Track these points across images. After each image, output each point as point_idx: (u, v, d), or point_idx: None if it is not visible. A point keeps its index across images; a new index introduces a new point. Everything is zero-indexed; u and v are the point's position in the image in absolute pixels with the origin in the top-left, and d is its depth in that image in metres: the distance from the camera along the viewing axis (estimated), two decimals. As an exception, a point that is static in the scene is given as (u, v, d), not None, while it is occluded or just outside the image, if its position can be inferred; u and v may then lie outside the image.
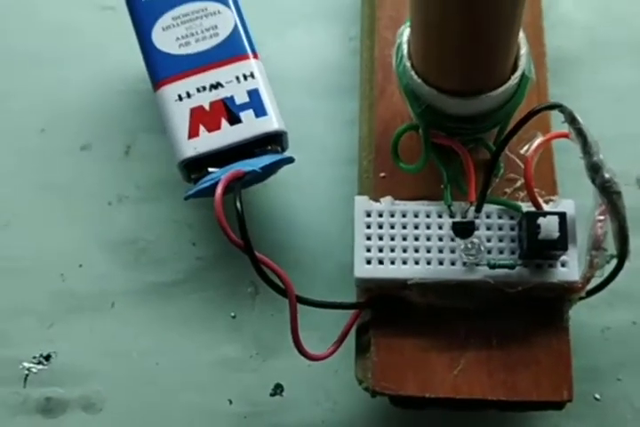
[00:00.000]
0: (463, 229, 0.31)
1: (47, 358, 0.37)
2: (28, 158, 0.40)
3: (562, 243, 0.30)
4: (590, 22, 0.42)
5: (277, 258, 0.33)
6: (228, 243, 0.30)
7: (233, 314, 0.37)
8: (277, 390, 0.37)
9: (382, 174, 0.35)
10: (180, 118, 0.35)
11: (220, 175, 0.33)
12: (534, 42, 0.37)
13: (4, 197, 0.40)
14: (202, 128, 0.34)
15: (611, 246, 0.31)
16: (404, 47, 0.31)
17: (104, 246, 0.39)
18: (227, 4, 0.36)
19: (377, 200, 0.33)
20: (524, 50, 0.31)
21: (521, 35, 0.30)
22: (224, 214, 0.31)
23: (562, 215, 0.30)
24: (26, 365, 0.37)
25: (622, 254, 0.30)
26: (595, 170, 0.30)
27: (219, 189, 0.31)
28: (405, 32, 0.31)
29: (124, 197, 0.39)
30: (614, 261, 0.31)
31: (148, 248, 0.39)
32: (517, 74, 0.30)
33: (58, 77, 0.42)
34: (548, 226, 0.30)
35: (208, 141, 0.34)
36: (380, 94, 0.36)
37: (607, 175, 0.30)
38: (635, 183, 0.38)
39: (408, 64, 0.31)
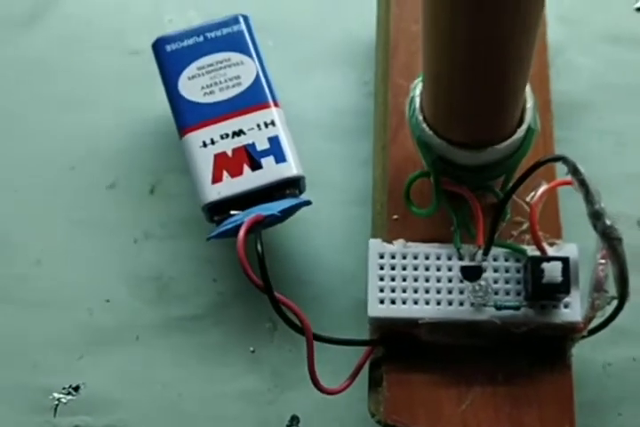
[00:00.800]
0: (471, 273, 0.33)
1: (76, 388, 0.39)
2: (58, 195, 0.42)
3: (565, 286, 0.32)
4: (595, 68, 0.43)
5: (295, 294, 0.35)
6: (247, 280, 0.32)
7: (252, 348, 0.39)
8: (294, 421, 0.38)
9: (395, 217, 0.36)
10: (204, 164, 0.36)
11: (241, 218, 0.35)
12: (541, 90, 0.38)
13: (35, 233, 0.41)
14: (225, 173, 0.36)
15: (612, 288, 0.32)
16: (417, 100, 0.33)
17: (130, 282, 0.40)
18: (249, 55, 0.38)
19: (390, 242, 0.35)
20: (530, 103, 0.32)
21: (527, 88, 0.32)
22: (246, 256, 0.32)
23: (565, 260, 0.32)
24: (56, 395, 0.39)
25: (622, 297, 0.32)
26: (596, 217, 0.31)
27: (241, 234, 0.33)
28: (418, 86, 0.33)
29: (149, 235, 0.41)
30: (615, 303, 0.32)
31: (171, 284, 0.40)
32: (524, 127, 0.32)
33: (87, 119, 0.43)
34: (552, 271, 0.32)
35: (231, 186, 0.36)
36: (393, 138, 0.38)
37: (608, 222, 0.31)
38: (636, 225, 0.40)
39: (420, 117, 0.32)
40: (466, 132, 0.31)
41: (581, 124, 0.42)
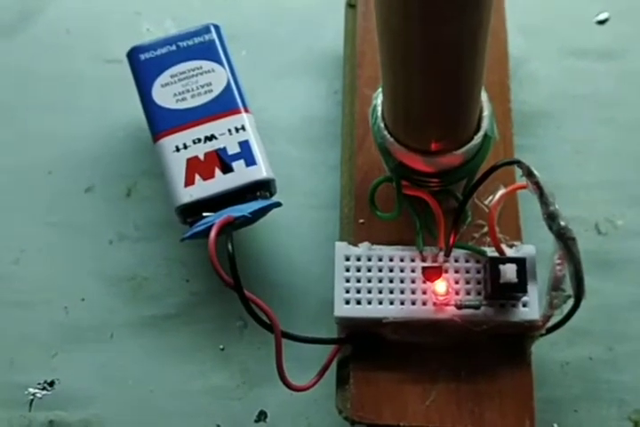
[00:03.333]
0: (432, 274, 0.33)
1: (51, 384, 0.39)
2: (36, 198, 0.42)
3: (521, 286, 0.32)
4: (555, 78, 0.43)
5: (265, 294, 0.35)
6: (218, 280, 0.32)
7: (222, 346, 0.39)
8: (262, 416, 0.38)
9: (361, 220, 0.36)
10: (177, 168, 0.36)
11: (213, 220, 0.35)
12: (501, 99, 0.39)
13: (14, 234, 0.41)
14: (197, 177, 0.36)
15: (571, 288, 0.32)
16: (379, 109, 0.33)
17: (105, 282, 0.40)
18: (220, 63, 0.38)
19: (356, 244, 0.35)
20: (486, 111, 0.32)
21: (484, 97, 0.32)
22: (217, 256, 0.32)
23: (521, 262, 0.32)
24: (31, 390, 0.38)
25: (579, 295, 0.32)
26: (551, 219, 0.32)
27: (212, 234, 0.33)
28: (380, 95, 0.33)
29: (124, 236, 0.41)
30: (572, 301, 0.32)
31: (145, 284, 0.40)
32: (480, 134, 0.32)
33: (66, 124, 0.43)
34: (508, 272, 0.32)
35: (203, 189, 0.36)
36: (359, 147, 0.38)
37: (562, 223, 0.31)
38: (594, 228, 0.40)
39: (382, 124, 0.32)
40: (423, 139, 0.31)
41: (542, 132, 0.42)
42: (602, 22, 0.44)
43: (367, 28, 0.40)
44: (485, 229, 0.36)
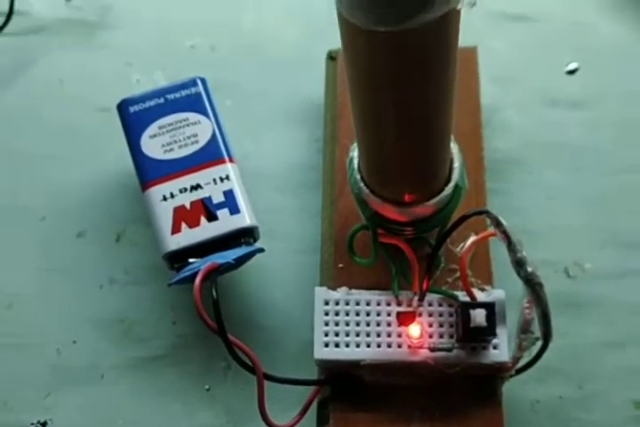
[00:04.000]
0: (405, 319, 0.34)
1: (44, 424, 0.39)
2: (29, 243, 0.43)
3: (490, 330, 0.33)
4: (527, 126, 0.45)
5: (248, 336, 0.37)
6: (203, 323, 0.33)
7: (207, 387, 0.40)
8: (246, 455, 0.39)
9: (340, 265, 0.38)
10: (164, 216, 0.38)
11: (199, 266, 0.36)
12: (474, 148, 0.40)
13: (7, 279, 0.42)
14: (184, 225, 0.37)
15: (539, 330, 0.33)
16: (355, 161, 0.34)
17: (96, 324, 0.41)
18: (206, 115, 0.40)
19: (335, 288, 0.36)
20: (457, 163, 0.34)
21: (455, 149, 0.34)
22: (202, 302, 0.34)
23: (490, 307, 0.34)
24: (25, 431, 0.40)
25: (546, 337, 0.33)
26: (519, 265, 0.33)
27: (197, 282, 0.34)
28: (356, 148, 0.34)
29: (114, 281, 0.42)
30: (540, 343, 0.34)
31: (134, 326, 0.41)
32: (451, 185, 0.33)
33: (57, 172, 0.45)
34: (478, 317, 0.33)
35: (189, 236, 0.37)
36: (339, 194, 0.39)
37: (530, 269, 0.33)
38: (563, 271, 0.41)
39: (358, 176, 0.34)
40: (397, 191, 0.33)
41: (514, 178, 0.43)
42: (572, 72, 0.46)
43: (346, 81, 0.42)
44: (458, 273, 0.37)
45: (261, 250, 0.38)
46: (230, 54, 0.47)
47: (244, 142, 0.44)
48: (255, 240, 0.39)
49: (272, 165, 0.44)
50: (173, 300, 0.41)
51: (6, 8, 0.48)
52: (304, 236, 0.43)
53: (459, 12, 0.23)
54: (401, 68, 0.24)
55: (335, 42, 0.42)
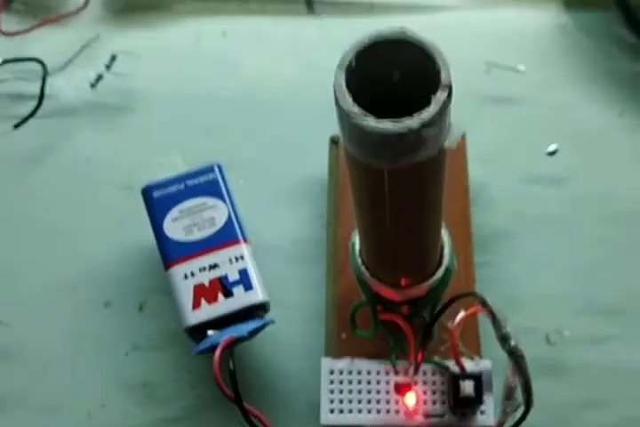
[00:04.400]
0: (402, 389, 0.38)
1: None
2: (61, 312, 0.47)
3: (478, 399, 0.38)
4: (512, 202, 0.49)
5: (260, 399, 0.40)
6: None
7: (225, 447, 0.44)
8: None
9: (343, 335, 0.42)
10: (186, 293, 0.42)
11: (217, 339, 0.40)
12: (463, 226, 0.45)
13: (42, 345, 0.46)
14: (203, 301, 0.41)
15: (522, 397, 0.37)
16: (357, 247, 0.39)
17: (122, 388, 0.45)
18: (223, 199, 0.44)
19: (339, 357, 0.40)
20: (447, 249, 0.38)
21: (445, 236, 0.38)
22: (221, 373, 0.38)
23: (478, 378, 0.38)
24: None
25: (528, 404, 0.37)
26: (503, 340, 0.37)
27: (217, 355, 0.38)
28: (357, 234, 0.39)
29: (138, 347, 0.46)
30: (522, 409, 0.38)
31: (157, 390, 0.45)
32: (442, 268, 0.38)
33: (85, 246, 0.49)
34: (467, 388, 0.37)
35: (208, 312, 0.41)
36: (341, 270, 0.44)
37: (513, 343, 0.37)
38: (544, 338, 0.45)
39: (359, 260, 0.38)
40: (393, 276, 0.37)
41: (500, 250, 0.48)
42: (552, 153, 0.50)
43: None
44: (449, 343, 0.41)
45: (272, 322, 0.42)
46: (243, 137, 0.51)
47: (254, 218, 0.47)
48: (266, 311, 0.43)
49: (280, 239, 0.48)
50: (192, 365, 0.45)
51: (37, 91, 0.52)
52: (310, 305, 0.46)
53: (447, 149, 0.27)
54: (397, 194, 0.28)
55: (336, 127, 0.47)
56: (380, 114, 0.23)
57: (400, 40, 0.24)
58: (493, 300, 0.37)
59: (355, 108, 0.23)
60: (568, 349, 0.45)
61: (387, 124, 0.23)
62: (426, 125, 0.23)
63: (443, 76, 0.24)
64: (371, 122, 0.23)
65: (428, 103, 0.24)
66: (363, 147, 0.25)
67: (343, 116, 0.24)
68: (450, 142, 0.26)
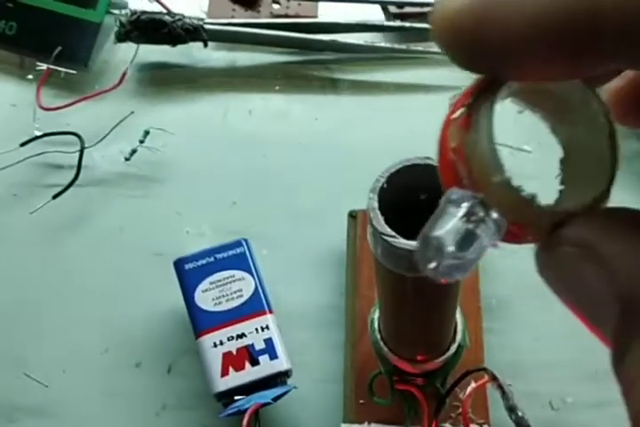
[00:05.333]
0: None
1: None
2: (95, 373, 0.50)
3: (487, 466, 0.40)
4: (517, 273, 0.52)
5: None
6: None
7: None
8: None
9: (361, 401, 0.44)
10: (215, 360, 0.44)
11: (243, 404, 0.43)
12: (472, 300, 0.47)
13: (75, 405, 0.49)
14: (231, 369, 0.44)
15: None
16: (376, 323, 0.41)
17: (152, 447, 0.48)
18: (250, 272, 0.47)
19: (358, 422, 0.43)
20: (460, 326, 0.41)
21: (458, 315, 0.41)
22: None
23: (486, 445, 0.40)
24: None
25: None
26: (511, 410, 0.40)
27: (244, 422, 0.41)
28: (377, 311, 0.41)
29: (167, 407, 0.49)
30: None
31: (186, 448, 0.48)
32: (455, 345, 0.40)
33: (118, 309, 0.52)
34: (477, 456, 0.40)
35: (235, 379, 0.44)
36: (359, 338, 0.46)
37: (520, 414, 0.40)
38: (547, 404, 0.48)
39: (378, 336, 0.41)
40: (411, 353, 0.40)
41: (507, 318, 0.50)
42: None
43: (365, 238, 0.49)
44: (460, 410, 0.44)
45: (295, 387, 0.45)
46: (266, 209, 0.54)
47: (277, 286, 0.50)
48: (289, 377, 0.46)
49: (300, 305, 0.51)
50: (218, 424, 0.48)
51: (74, 163, 0.55)
52: (329, 368, 0.49)
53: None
54: (419, 293, 0.31)
55: (354, 202, 0.50)
56: (409, 231, 0.26)
57: (426, 165, 0.27)
58: (498, 366, 0.40)
59: (386, 229, 0.26)
60: (571, 414, 0.47)
61: (413, 244, 0.26)
62: None
63: None
64: (400, 241, 0.26)
65: None
66: (391, 259, 0.28)
67: (376, 234, 0.26)
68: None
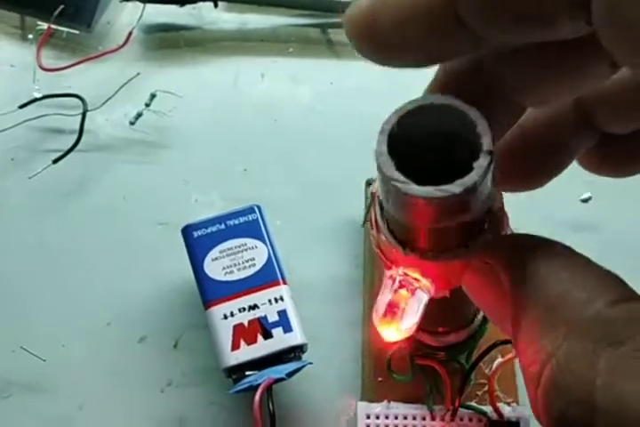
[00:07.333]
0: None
1: None
2: (97, 348, 0.48)
3: (516, 447, 0.38)
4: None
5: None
6: None
7: (260, 486, 0.44)
8: None
9: (380, 379, 0.43)
10: (225, 333, 0.42)
11: (255, 380, 0.41)
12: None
13: (79, 381, 0.47)
14: (242, 342, 0.42)
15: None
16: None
17: (157, 425, 0.46)
18: (262, 240, 0.45)
19: (376, 400, 0.41)
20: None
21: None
22: (261, 417, 0.39)
23: (516, 425, 0.38)
24: None
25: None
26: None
27: (257, 398, 0.39)
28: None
29: (173, 383, 0.47)
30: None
31: (192, 426, 0.46)
32: (480, 316, 0.38)
33: (121, 281, 0.50)
34: (505, 434, 0.38)
35: (247, 353, 0.42)
36: (378, 313, 0.44)
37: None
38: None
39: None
40: (432, 325, 0.37)
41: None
42: (585, 201, 0.51)
43: (384, 207, 0.47)
44: (486, 387, 0.42)
45: (310, 363, 0.43)
46: (279, 177, 0.52)
47: (291, 258, 0.48)
48: (304, 352, 0.44)
49: (316, 278, 0.49)
50: (228, 402, 0.46)
51: (76, 127, 0.53)
52: (346, 344, 0.47)
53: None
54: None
55: (371, 171, 0.48)
56: (420, 178, 0.24)
57: (442, 106, 0.25)
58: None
59: (397, 174, 0.24)
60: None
61: (429, 190, 0.23)
62: (469, 191, 0.24)
63: (484, 142, 0.24)
64: (413, 187, 0.24)
65: (469, 170, 0.24)
66: (403, 210, 0.25)
67: (385, 181, 0.24)
68: (492, 204, 0.27)
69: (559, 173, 0.30)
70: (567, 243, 0.50)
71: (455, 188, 0.23)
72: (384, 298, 0.29)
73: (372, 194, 0.32)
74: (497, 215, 0.28)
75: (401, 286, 0.29)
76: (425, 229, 0.26)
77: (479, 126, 0.24)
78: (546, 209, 0.50)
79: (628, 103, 0.25)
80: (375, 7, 0.21)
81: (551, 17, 0.19)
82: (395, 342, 0.39)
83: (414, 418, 0.40)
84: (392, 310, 0.30)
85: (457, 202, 0.24)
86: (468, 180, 0.23)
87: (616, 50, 0.19)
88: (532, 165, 0.28)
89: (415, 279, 0.29)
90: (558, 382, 0.19)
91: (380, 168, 0.24)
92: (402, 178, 0.24)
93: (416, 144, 0.26)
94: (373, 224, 0.29)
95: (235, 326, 0.43)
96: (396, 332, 0.31)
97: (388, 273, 0.29)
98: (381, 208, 0.28)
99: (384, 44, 0.21)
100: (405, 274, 0.29)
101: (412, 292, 0.29)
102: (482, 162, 0.24)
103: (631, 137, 0.27)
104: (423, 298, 0.30)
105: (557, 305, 0.21)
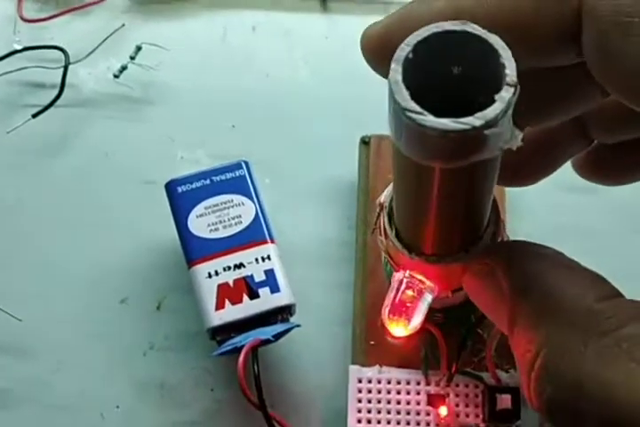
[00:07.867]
0: (435, 401, 0.37)
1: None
2: (76, 310, 0.46)
3: (515, 413, 0.36)
4: (544, 211, 0.48)
5: (283, 404, 0.39)
6: (241, 391, 0.37)
7: (243, 453, 0.42)
8: None
9: (372, 342, 0.40)
10: (209, 292, 0.40)
11: (240, 341, 0.39)
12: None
13: (56, 343, 0.45)
14: (227, 302, 0.40)
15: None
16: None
17: (137, 389, 0.44)
18: (250, 197, 0.43)
19: (367, 365, 0.39)
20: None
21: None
22: (245, 378, 0.37)
23: (516, 391, 0.36)
24: None
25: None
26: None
27: (241, 359, 0.37)
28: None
29: (155, 347, 0.45)
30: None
31: (173, 391, 0.44)
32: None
33: (102, 241, 0.47)
34: (504, 401, 0.36)
35: (231, 313, 0.40)
36: (371, 275, 0.42)
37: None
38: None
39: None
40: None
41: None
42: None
43: (379, 165, 0.45)
44: (484, 353, 0.40)
45: (298, 326, 0.41)
46: (269, 134, 0.50)
47: (280, 218, 0.46)
48: (292, 315, 0.42)
49: (305, 240, 0.47)
50: (211, 366, 0.44)
51: (58, 80, 0.51)
52: (336, 308, 0.45)
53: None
54: (446, 191, 0.27)
55: (366, 129, 0.46)
56: (437, 113, 0.22)
57: (461, 32, 0.23)
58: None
59: (412, 104, 0.22)
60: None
61: (447, 122, 0.21)
62: (490, 125, 0.22)
63: (508, 72, 0.22)
64: (430, 119, 0.21)
65: (491, 102, 0.22)
66: (417, 145, 0.23)
67: (398, 111, 0.22)
68: (511, 144, 0.25)
69: (552, 172, 0.33)
70: (567, 205, 0.48)
71: (476, 120, 0.21)
72: (392, 298, 0.34)
73: (380, 204, 0.33)
74: (495, 222, 0.30)
75: (407, 288, 0.33)
76: (435, 175, 0.25)
77: (502, 55, 0.22)
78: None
79: (613, 118, 0.29)
80: (391, 29, 0.24)
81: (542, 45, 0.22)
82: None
83: (408, 383, 0.38)
84: (400, 309, 0.34)
85: (474, 138, 0.22)
86: (491, 111, 0.21)
87: (606, 83, 0.21)
88: (527, 163, 0.31)
89: (420, 281, 0.33)
90: (550, 368, 0.22)
91: (394, 98, 0.22)
92: (418, 108, 0.22)
93: (431, 76, 0.24)
94: (382, 231, 0.32)
95: (219, 286, 0.40)
96: (403, 329, 0.35)
97: (395, 276, 0.33)
98: (389, 216, 0.31)
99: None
100: (412, 276, 0.33)
101: (418, 292, 0.33)
102: (504, 94, 0.22)
103: (619, 146, 0.30)
104: (428, 298, 0.33)
105: (552, 299, 0.24)
